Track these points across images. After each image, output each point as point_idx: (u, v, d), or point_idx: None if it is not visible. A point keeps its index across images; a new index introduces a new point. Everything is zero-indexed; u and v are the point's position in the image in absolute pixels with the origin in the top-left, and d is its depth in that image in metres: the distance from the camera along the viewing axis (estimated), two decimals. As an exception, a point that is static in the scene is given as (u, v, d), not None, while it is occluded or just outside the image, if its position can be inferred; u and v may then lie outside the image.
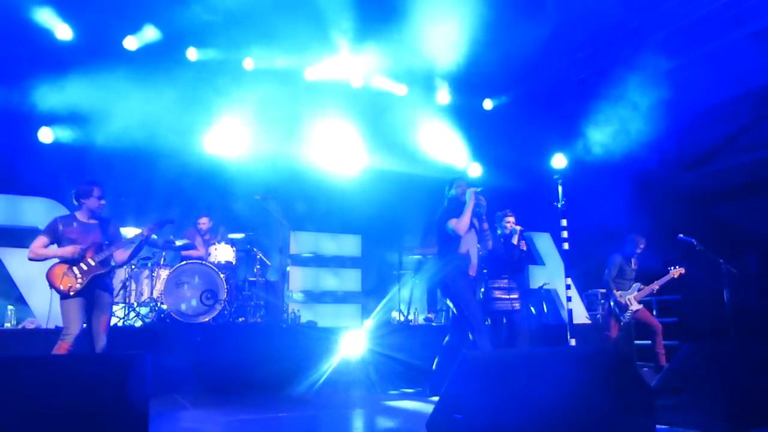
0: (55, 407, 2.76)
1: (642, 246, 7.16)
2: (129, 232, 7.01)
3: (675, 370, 4.09)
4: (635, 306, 7.02)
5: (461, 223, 5.51)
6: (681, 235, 7.09)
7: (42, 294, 5.69)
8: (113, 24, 8.49)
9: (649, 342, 7.20)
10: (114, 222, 5.29)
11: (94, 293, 4.94)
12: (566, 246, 5.66)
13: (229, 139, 9.20)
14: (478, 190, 5.65)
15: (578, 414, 3.21)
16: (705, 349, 4.06)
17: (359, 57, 9.43)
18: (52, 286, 4.86)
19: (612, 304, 7.11)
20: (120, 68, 8.14)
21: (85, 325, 4.90)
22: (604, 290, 7.42)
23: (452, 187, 5.85)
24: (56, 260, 4.93)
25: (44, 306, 6.18)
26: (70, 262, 4.88)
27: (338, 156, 9.76)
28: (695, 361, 3.98)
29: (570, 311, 5.58)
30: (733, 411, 3.75)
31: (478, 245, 5.83)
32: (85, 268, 4.90)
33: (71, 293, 4.81)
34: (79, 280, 4.84)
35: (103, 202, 5.08)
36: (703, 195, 8.10)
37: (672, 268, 7.07)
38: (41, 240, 4.95)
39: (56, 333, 4.91)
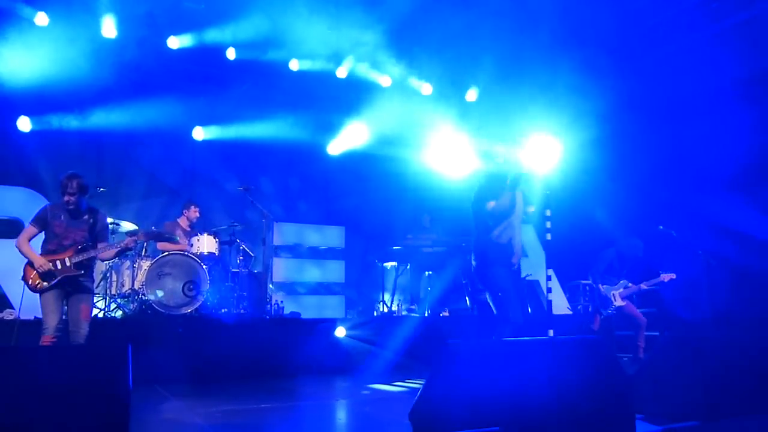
0: (35, 398, 2.74)
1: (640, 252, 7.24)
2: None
3: (653, 360, 4.15)
4: (619, 302, 7.10)
5: (501, 204, 4.82)
6: (661, 227, 7.18)
7: (20, 284, 5.59)
8: (92, 10, 8.35)
9: (631, 333, 7.29)
10: (102, 217, 5.10)
11: (66, 290, 4.82)
12: (549, 237, 5.70)
13: (214, 129, 9.16)
14: (523, 173, 4.93)
15: (559, 403, 3.25)
16: (682, 339, 4.13)
17: (344, 46, 9.42)
18: (23, 277, 4.80)
19: (596, 297, 7.21)
20: (101, 57, 8.04)
21: (64, 317, 4.81)
22: (587, 281, 7.50)
23: (489, 159, 5.19)
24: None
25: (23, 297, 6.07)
26: (50, 254, 4.78)
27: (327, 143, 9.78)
28: (673, 351, 4.04)
29: (549, 302, 5.63)
30: (709, 400, 3.82)
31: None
32: (59, 266, 4.76)
33: (38, 288, 4.73)
34: (49, 279, 4.73)
35: (70, 198, 4.79)
36: (684, 187, 8.20)
37: (663, 272, 7.12)
38: (29, 231, 4.88)
39: (36, 324, 4.85)
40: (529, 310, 5.25)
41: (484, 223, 4.93)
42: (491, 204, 4.83)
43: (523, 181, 4.94)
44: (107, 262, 7.06)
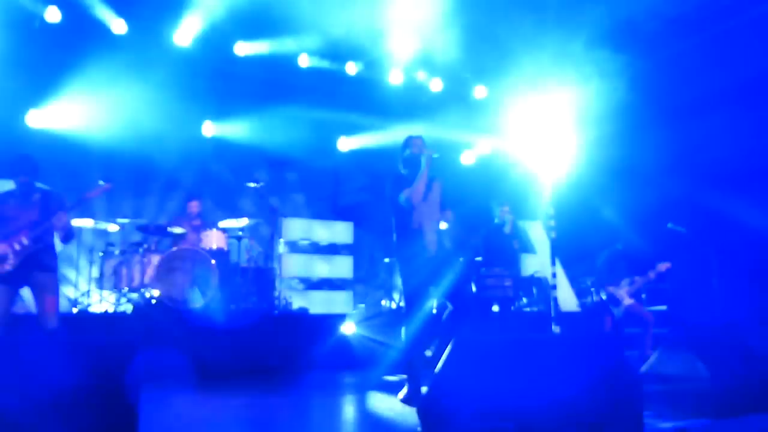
0: (44, 393, 2.75)
1: (620, 248, 7.32)
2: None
3: (663, 357, 4.13)
4: (627, 301, 7.10)
5: (414, 192, 4.65)
6: (670, 225, 7.15)
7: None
8: (103, 8, 8.37)
9: (639, 330, 7.27)
10: (56, 198, 4.75)
11: (29, 276, 4.55)
12: (553, 234, 5.72)
13: (223, 124, 9.19)
14: (436, 155, 4.68)
15: (567, 399, 3.24)
16: (692, 336, 4.10)
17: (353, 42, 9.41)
18: None
19: (605, 298, 7.20)
20: (108, 53, 8.06)
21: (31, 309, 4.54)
22: (591, 285, 7.56)
23: (407, 146, 4.90)
24: None
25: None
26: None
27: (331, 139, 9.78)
28: (683, 349, 4.02)
29: (555, 299, 5.65)
30: (720, 398, 3.79)
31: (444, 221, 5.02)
32: (17, 247, 4.46)
33: None
34: (10, 262, 4.44)
35: (24, 179, 4.57)
36: (694, 185, 8.15)
37: (659, 263, 7.18)
38: None
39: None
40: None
41: (400, 211, 4.76)
42: (405, 192, 4.67)
43: (435, 166, 4.71)
44: (117, 254, 7.12)
